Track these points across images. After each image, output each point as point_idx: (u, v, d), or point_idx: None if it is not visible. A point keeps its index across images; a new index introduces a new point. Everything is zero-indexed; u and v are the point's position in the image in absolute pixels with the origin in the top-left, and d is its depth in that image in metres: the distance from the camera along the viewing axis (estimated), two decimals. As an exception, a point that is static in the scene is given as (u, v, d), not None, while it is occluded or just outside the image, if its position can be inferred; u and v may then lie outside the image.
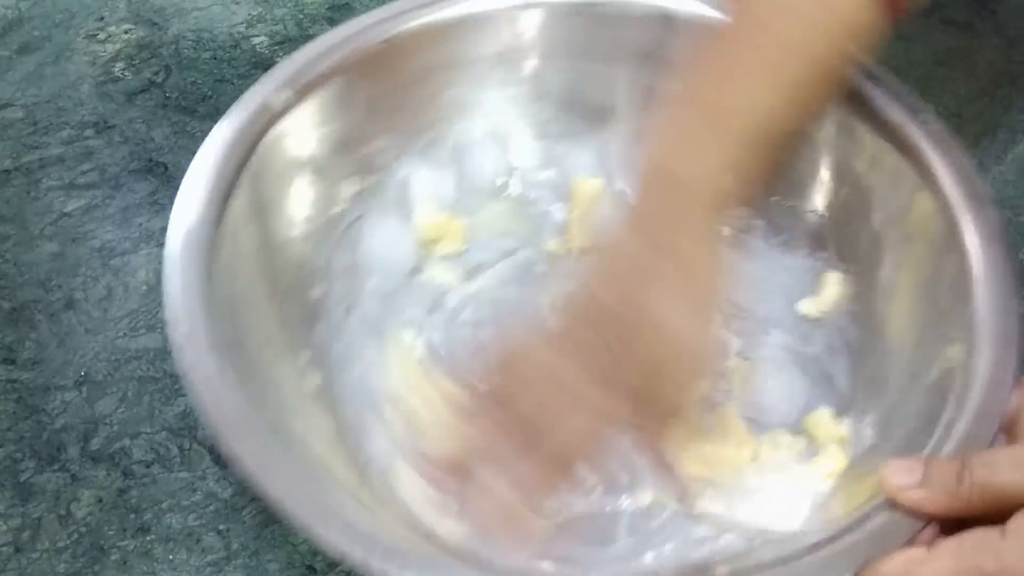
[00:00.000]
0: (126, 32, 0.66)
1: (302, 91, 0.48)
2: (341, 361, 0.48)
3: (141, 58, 0.65)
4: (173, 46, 0.65)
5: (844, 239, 0.50)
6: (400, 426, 0.47)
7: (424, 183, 0.53)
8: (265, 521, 0.46)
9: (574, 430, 0.43)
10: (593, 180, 0.54)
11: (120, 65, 0.64)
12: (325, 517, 0.36)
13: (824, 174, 0.50)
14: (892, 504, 0.36)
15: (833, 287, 0.50)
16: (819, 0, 0.42)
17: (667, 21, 0.51)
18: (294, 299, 0.48)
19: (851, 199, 0.49)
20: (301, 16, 0.67)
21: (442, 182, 0.54)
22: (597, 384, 0.42)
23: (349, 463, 0.44)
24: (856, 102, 0.47)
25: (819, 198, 0.50)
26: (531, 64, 0.53)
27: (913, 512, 0.35)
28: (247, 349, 0.42)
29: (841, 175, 0.49)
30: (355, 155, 0.51)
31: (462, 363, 0.47)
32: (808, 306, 0.50)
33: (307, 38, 0.65)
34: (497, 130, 0.54)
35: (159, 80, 0.63)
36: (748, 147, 0.43)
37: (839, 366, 0.48)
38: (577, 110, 0.54)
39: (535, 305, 0.50)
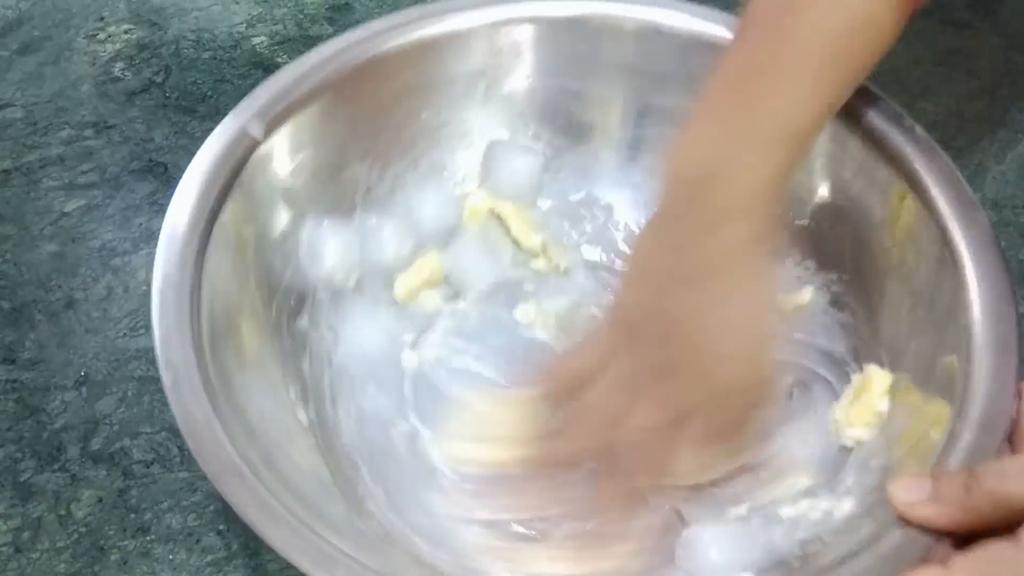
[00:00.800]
0: (126, 32, 0.66)
1: (278, 117, 0.47)
2: (330, 392, 0.48)
3: (141, 58, 0.65)
4: (173, 46, 0.65)
5: (829, 249, 0.49)
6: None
7: (403, 206, 0.53)
8: (265, 521, 0.46)
9: (641, 448, 0.42)
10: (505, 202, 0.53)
11: (120, 65, 0.64)
12: (327, 564, 0.35)
13: (812, 183, 0.49)
14: (903, 522, 0.35)
15: (808, 296, 0.49)
16: (836, 1, 0.41)
17: (657, 36, 0.51)
18: (280, 330, 0.47)
19: (837, 208, 0.49)
20: (301, 16, 0.67)
21: (422, 204, 0.53)
22: (654, 400, 0.42)
23: (344, 500, 0.43)
24: (842, 111, 0.46)
25: (806, 207, 0.50)
26: (513, 81, 0.53)
27: (924, 528, 0.35)
28: (236, 388, 0.41)
29: (828, 184, 0.49)
30: (334, 180, 0.50)
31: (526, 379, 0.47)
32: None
33: (307, 38, 0.66)
34: (477, 149, 0.54)
35: (159, 80, 0.63)
36: (782, 149, 0.41)
37: (833, 376, 0.48)
38: (560, 126, 0.54)
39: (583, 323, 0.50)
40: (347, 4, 0.68)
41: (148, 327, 0.52)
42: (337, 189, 0.50)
